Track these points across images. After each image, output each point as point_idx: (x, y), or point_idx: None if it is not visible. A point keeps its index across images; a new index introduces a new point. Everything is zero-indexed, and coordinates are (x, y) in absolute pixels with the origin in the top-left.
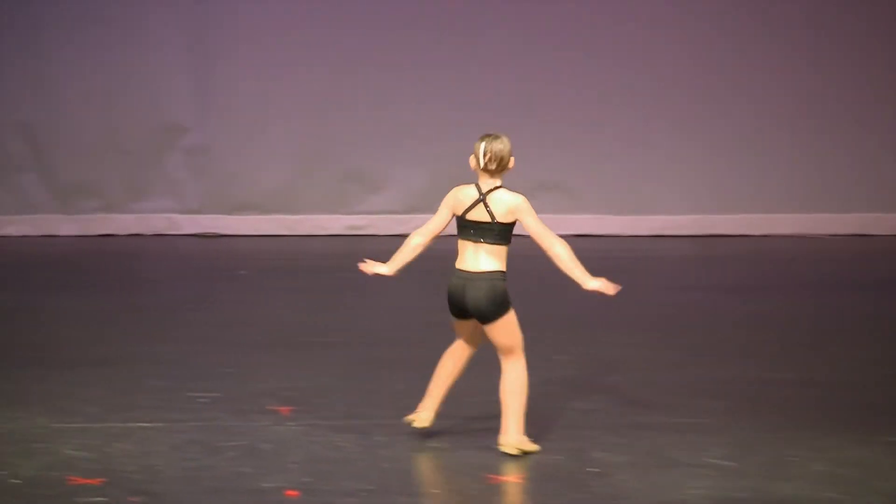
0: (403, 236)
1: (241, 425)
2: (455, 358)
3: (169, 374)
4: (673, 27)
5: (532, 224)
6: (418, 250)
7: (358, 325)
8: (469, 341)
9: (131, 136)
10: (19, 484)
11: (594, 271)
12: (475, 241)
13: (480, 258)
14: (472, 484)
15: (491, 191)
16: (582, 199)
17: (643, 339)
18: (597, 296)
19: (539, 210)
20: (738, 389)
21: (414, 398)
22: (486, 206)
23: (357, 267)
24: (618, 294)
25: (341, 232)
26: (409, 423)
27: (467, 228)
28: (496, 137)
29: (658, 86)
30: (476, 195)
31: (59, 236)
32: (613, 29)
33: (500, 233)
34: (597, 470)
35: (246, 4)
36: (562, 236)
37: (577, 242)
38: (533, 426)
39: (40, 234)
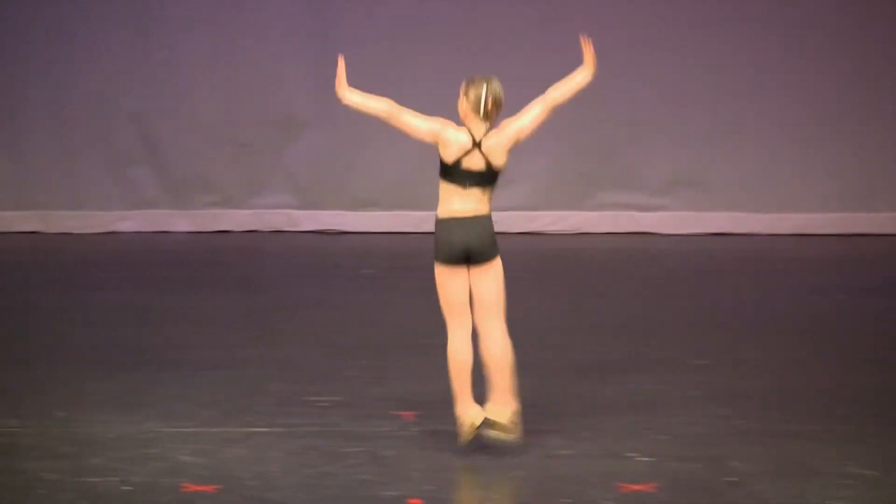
0: (531, 234)
1: (362, 431)
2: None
3: (288, 378)
4: (818, 22)
5: (531, 113)
6: (372, 110)
7: None
8: (468, 309)
9: (249, 129)
10: (131, 491)
11: (727, 272)
12: (465, 187)
13: (473, 202)
14: (604, 494)
15: (483, 137)
16: (719, 195)
17: (783, 342)
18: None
19: (672, 207)
20: (881, 396)
21: (540, 404)
22: (483, 153)
23: None
24: (758, 295)
25: None
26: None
27: (460, 176)
28: (492, 79)
29: (802, 79)
30: (469, 142)
31: (172, 232)
32: (759, 23)
33: (492, 178)
34: (734, 479)
35: None
36: (695, 235)
37: (713, 242)
38: (669, 433)
39: (153, 230)
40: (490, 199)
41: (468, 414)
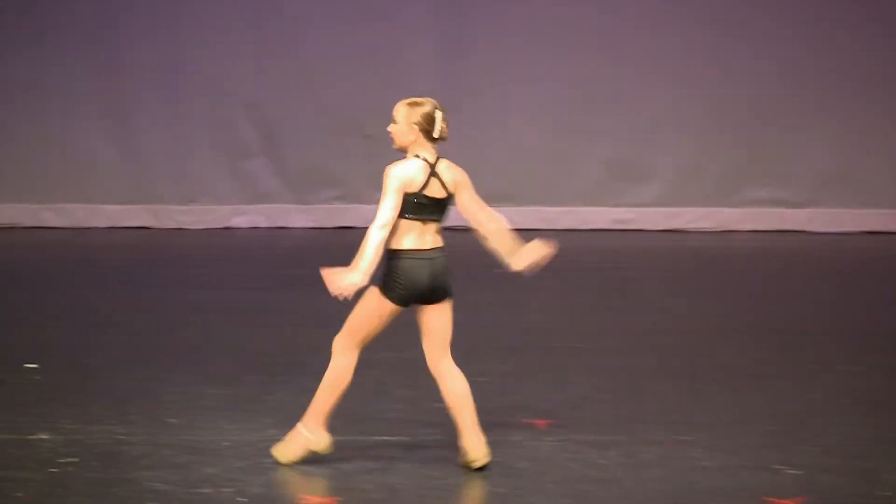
0: (671, 232)
1: (494, 441)
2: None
3: (414, 384)
4: None
5: (473, 196)
6: (382, 247)
7: (623, 329)
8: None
9: (373, 120)
10: (246, 503)
11: (883, 272)
12: (425, 221)
13: (432, 236)
14: None
15: (437, 162)
16: (874, 192)
17: None
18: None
19: (823, 204)
20: None
21: (682, 412)
22: (439, 179)
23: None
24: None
25: (606, 226)
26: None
27: (424, 206)
28: (432, 99)
29: None
30: (426, 169)
31: (291, 228)
32: None
33: (446, 207)
34: (888, 494)
35: None
36: (847, 234)
37: (868, 241)
38: (818, 444)
39: (271, 225)
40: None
41: (325, 436)
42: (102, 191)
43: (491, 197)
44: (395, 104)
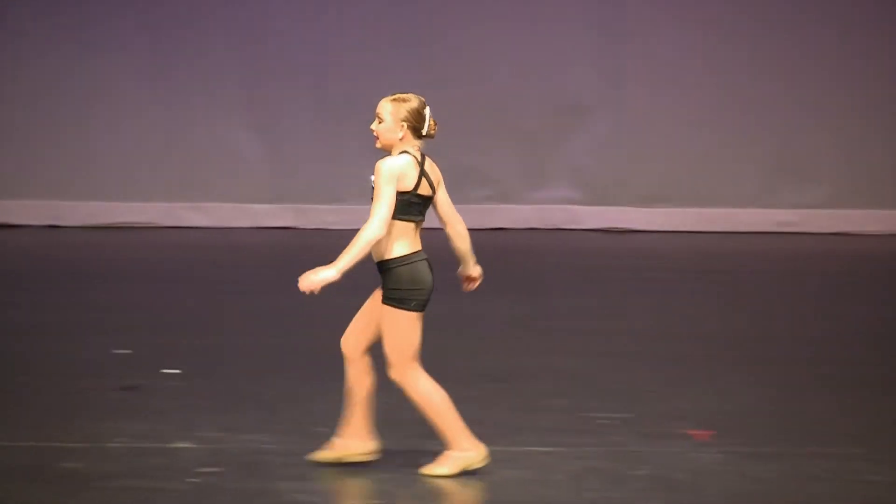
0: (838, 235)
1: (652, 452)
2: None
3: (569, 392)
4: None
5: (447, 195)
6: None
7: (788, 337)
8: None
9: (529, 118)
10: None
11: None
12: (416, 221)
13: (419, 236)
14: None
15: (423, 160)
16: None
17: None
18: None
19: None
20: None
21: (851, 423)
22: (427, 177)
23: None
24: None
25: (768, 229)
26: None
27: (415, 206)
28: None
29: None
30: (416, 166)
31: (440, 228)
32: None
33: (429, 206)
34: None
35: None
36: None
37: None
38: None
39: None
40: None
41: (479, 447)
42: (248, 190)
43: (650, 198)
44: (547, 104)
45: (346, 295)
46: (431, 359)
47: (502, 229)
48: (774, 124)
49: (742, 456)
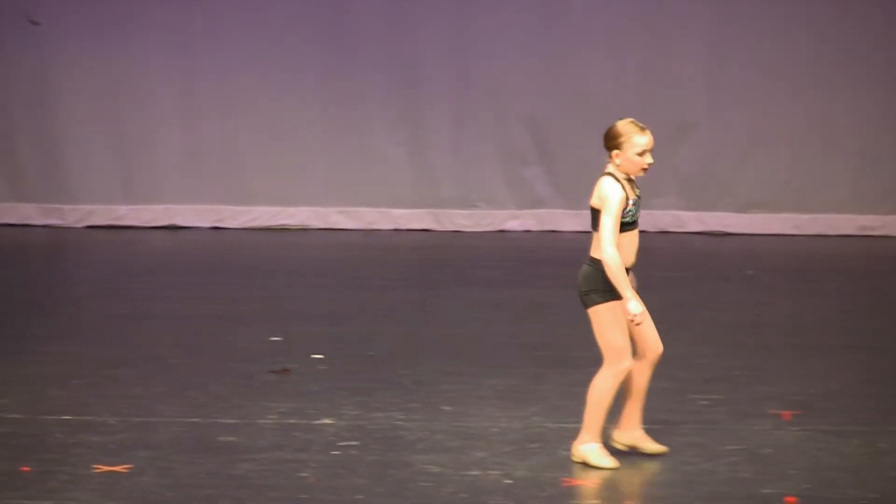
0: None
1: (742, 429)
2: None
3: (672, 376)
4: None
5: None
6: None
7: (872, 328)
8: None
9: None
10: (511, 484)
11: None
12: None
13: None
14: None
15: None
16: None
17: None
18: None
19: None
20: None
21: None
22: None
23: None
24: None
25: (853, 232)
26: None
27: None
28: None
29: None
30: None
31: (561, 231)
32: None
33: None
34: None
35: None
36: None
37: None
38: None
39: (543, 229)
40: (594, 240)
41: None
42: (390, 195)
43: (748, 205)
44: (659, 116)
45: (455, 290)
46: (553, 347)
47: None
48: (858, 134)
49: (823, 433)
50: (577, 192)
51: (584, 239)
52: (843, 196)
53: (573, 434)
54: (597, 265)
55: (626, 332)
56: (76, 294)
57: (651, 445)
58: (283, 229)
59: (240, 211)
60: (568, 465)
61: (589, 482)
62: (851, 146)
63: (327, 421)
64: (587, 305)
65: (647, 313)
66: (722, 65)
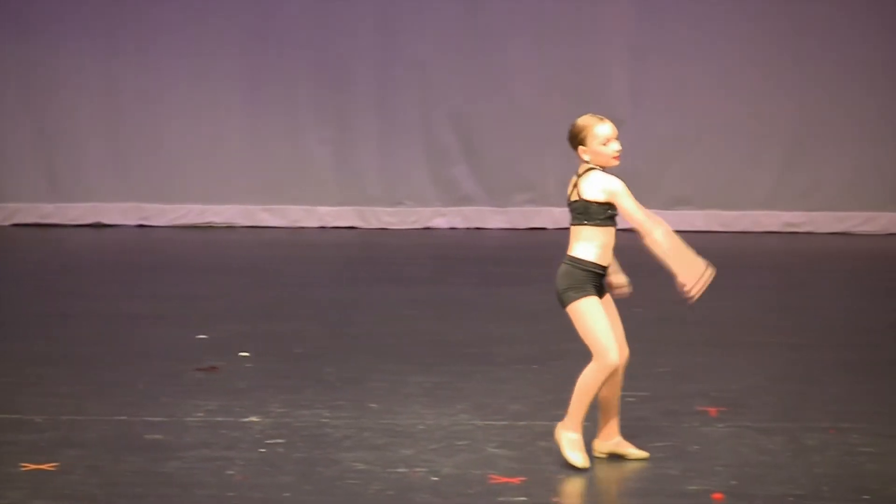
0: (840, 235)
1: (669, 426)
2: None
3: None
4: None
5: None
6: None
7: (796, 325)
8: None
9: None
10: (438, 481)
11: None
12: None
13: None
14: None
15: None
16: None
17: None
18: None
19: None
20: None
21: (847, 401)
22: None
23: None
24: None
25: (777, 229)
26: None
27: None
28: None
29: None
30: None
31: (487, 229)
32: None
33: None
34: None
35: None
36: None
37: None
38: None
39: (469, 226)
40: (574, 237)
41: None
42: (316, 193)
43: (673, 201)
44: (582, 113)
45: (382, 287)
46: (477, 345)
47: (541, 229)
48: (782, 134)
49: (749, 429)
50: (503, 189)
51: (509, 237)
52: (768, 193)
53: (499, 431)
54: (574, 263)
55: (608, 326)
56: (1, 292)
57: (632, 451)
58: (209, 227)
59: (166, 209)
60: (495, 461)
61: (516, 479)
62: (776, 143)
63: (254, 419)
64: (565, 304)
65: (615, 315)
66: (647, 61)
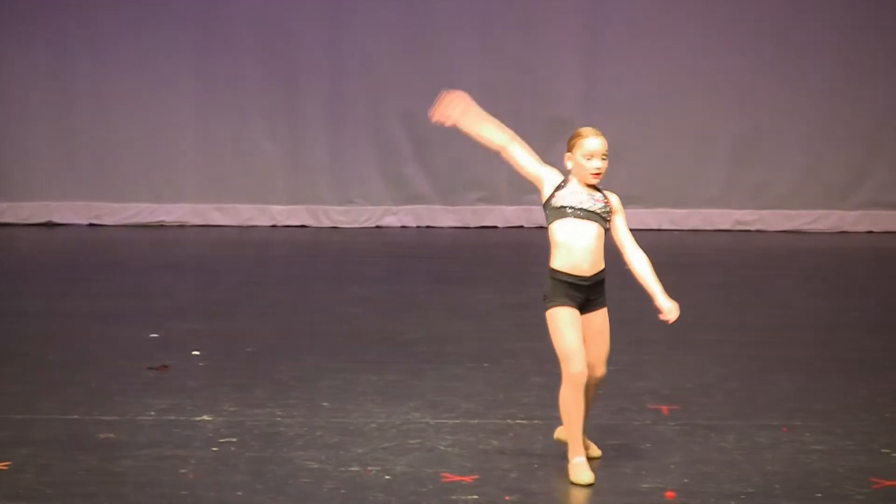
0: (791, 233)
1: (622, 424)
2: None
3: (551, 371)
4: None
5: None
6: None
7: (747, 322)
8: None
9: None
10: (391, 480)
11: None
12: None
13: None
14: (856, 489)
15: None
16: None
17: None
18: None
19: None
20: None
21: (799, 399)
22: None
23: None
24: None
25: (728, 227)
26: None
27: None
28: None
29: None
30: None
31: (438, 227)
32: None
33: None
34: None
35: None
36: None
37: None
38: None
39: (420, 224)
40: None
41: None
42: (267, 192)
43: (624, 199)
44: (532, 115)
45: (334, 286)
46: (429, 343)
47: (493, 227)
48: (735, 132)
49: (701, 427)
50: (454, 188)
51: (460, 235)
52: (719, 191)
53: (451, 429)
54: (550, 272)
55: (572, 336)
56: None
57: (590, 450)
58: (160, 226)
59: (117, 208)
60: (447, 459)
61: (468, 477)
62: (727, 141)
63: (206, 417)
64: (544, 311)
65: (600, 333)
66: (596, 61)
